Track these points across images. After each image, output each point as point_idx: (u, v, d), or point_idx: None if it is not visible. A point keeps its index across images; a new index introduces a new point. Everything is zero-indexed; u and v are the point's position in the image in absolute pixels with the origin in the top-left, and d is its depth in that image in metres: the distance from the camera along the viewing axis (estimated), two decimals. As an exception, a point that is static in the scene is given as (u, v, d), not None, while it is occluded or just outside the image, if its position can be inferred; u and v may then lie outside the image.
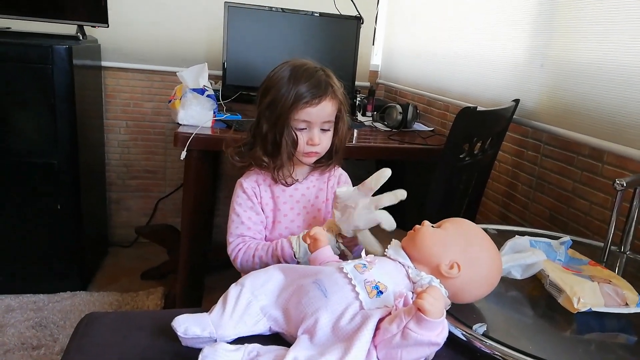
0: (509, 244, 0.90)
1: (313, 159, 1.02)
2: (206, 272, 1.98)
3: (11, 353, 1.59)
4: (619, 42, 1.16)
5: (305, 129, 0.97)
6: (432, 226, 0.76)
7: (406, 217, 1.08)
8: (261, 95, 0.99)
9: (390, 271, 0.70)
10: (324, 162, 1.05)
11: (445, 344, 0.62)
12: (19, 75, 1.76)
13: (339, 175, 1.11)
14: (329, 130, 1.00)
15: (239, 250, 1.01)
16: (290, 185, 1.04)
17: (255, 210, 1.03)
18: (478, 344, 0.69)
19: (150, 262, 2.24)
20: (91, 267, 2.17)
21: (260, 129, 0.99)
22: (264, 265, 0.95)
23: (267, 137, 0.98)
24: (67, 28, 2.00)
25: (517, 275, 0.84)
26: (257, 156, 1.00)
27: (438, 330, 0.59)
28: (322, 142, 0.99)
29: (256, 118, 1.01)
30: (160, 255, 2.24)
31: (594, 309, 0.77)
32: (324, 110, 0.96)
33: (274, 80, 0.97)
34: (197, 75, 1.63)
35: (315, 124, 0.97)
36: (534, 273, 0.85)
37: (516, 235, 0.95)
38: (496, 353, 0.67)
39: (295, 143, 0.97)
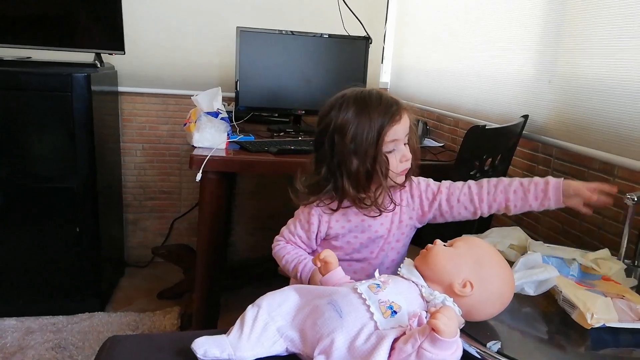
0: (522, 260, 0.91)
1: (403, 177, 1.02)
2: (222, 291, 2.00)
3: (33, 375, 1.62)
4: (625, 58, 1.18)
5: (394, 150, 0.98)
6: (444, 245, 0.78)
7: (421, 234, 1.10)
8: (331, 138, 0.97)
9: (403, 291, 0.71)
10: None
11: (459, 362, 0.63)
12: (39, 103, 1.82)
13: (417, 184, 1.08)
14: (407, 143, 1.01)
15: (278, 246, 1.08)
16: (392, 210, 1.02)
17: (307, 235, 1.06)
18: (492, 362, 0.70)
19: (166, 282, 2.26)
20: (108, 287, 2.20)
21: (347, 167, 0.96)
22: (286, 268, 1.04)
23: (359, 172, 0.96)
24: (85, 56, 2.07)
25: (530, 291, 0.85)
26: (353, 195, 0.98)
27: (452, 350, 0.60)
28: (410, 155, 1.00)
29: (334, 160, 0.98)
30: (176, 274, 2.27)
31: (607, 325, 0.77)
32: (406, 123, 0.98)
33: (344, 119, 0.96)
34: (211, 99, 1.67)
35: (401, 140, 0.98)
36: (547, 289, 0.86)
37: (528, 252, 0.96)
38: (511, 370, 0.68)
39: (387, 167, 0.96)
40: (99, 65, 2.03)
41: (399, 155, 0.98)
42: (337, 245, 1.04)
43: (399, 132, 0.97)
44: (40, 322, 1.92)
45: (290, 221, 1.09)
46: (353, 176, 0.97)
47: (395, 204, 1.02)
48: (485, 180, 1.07)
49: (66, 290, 2.00)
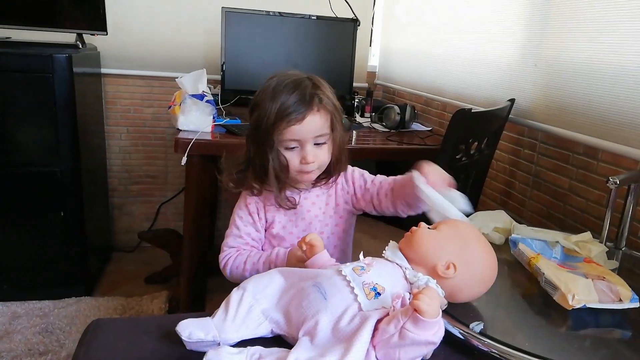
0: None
1: (314, 176, 0.96)
2: (209, 275, 2.00)
3: (19, 359, 1.61)
4: (610, 42, 1.18)
5: (297, 147, 0.91)
6: (429, 227, 0.78)
7: (406, 218, 1.10)
8: (250, 114, 0.94)
9: (387, 273, 0.72)
10: (324, 177, 0.99)
11: (442, 342, 0.64)
12: (19, 85, 1.78)
13: (352, 172, 1.04)
14: (324, 143, 0.93)
15: (229, 258, 0.98)
16: (291, 208, 0.98)
17: (255, 227, 1.00)
18: (475, 342, 0.71)
19: (153, 267, 2.26)
20: (95, 273, 2.19)
21: (249, 152, 0.94)
22: (255, 272, 0.93)
23: (256, 161, 0.93)
24: (67, 37, 2.02)
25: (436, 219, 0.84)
26: (249, 183, 0.96)
27: (434, 330, 0.61)
28: (319, 157, 0.92)
29: (245, 140, 0.97)
30: (163, 259, 2.26)
31: (588, 306, 0.78)
32: (312, 124, 0.89)
33: (259, 97, 0.91)
34: (196, 81, 1.64)
35: (306, 141, 0.90)
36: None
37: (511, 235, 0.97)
38: (493, 351, 0.69)
39: (284, 166, 0.91)
40: (80, 46, 1.99)
41: (300, 156, 0.91)
42: (276, 235, 1.00)
43: (299, 133, 0.89)
44: (26, 307, 1.90)
45: (228, 231, 1.01)
46: (252, 163, 0.94)
47: (295, 205, 0.97)
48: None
49: (52, 275, 1.98)
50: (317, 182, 1.00)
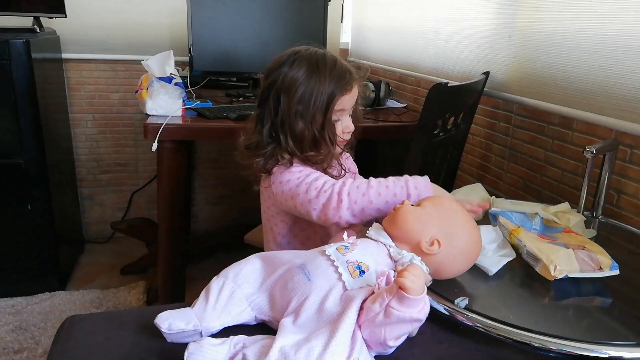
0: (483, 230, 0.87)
1: (342, 146, 1.00)
2: (187, 263, 1.97)
3: (-8, 359, 1.56)
4: (583, 11, 1.18)
5: (339, 119, 0.95)
6: (412, 205, 0.77)
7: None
8: (277, 96, 0.92)
9: (372, 251, 0.70)
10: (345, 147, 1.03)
11: (428, 319, 0.63)
12: (-26, 73, 1.68)
13: (348, 157, 1.09)
14: (351, 115, 0.98)
15: (342, 181, 0.88)
16: (342, 177, 0.97)
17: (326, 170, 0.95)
18: (460, 318, 0.70)
19: (128, 257, 2.20)
20: (67, 265, 2.12)
21: (292, 129, 0.92)
22: (382, 195, 0.84)
23: (305, 135, 0.92)
24: (23, 20, 1.92)
25: (493, 271, 0.81)
26: (301, 155, 0.93)
27: (419, 307, 0.60)
28: (353, 127, 0.98)
29: (278, 119, 0.92)
30: (138, 249, 2.21)
31: (570, 275, 0.79)
32: (355, 94, 0.95)
33: (293, 78, 0.91)
34: (163, 63, 1.58)
35: (347, 111, 0.96)
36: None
37: (491, 208, 0.97)
38: (478, 325, 0.69)
39: (334, 134, 0.94)
40: (38, 30, 1.89)
41: (342, 126, 0.96)
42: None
43: (347, 103, 0.94)
44: (-4, 305, 1.84)
45: (305, 182, 0.90)
46: (298, 139, 0.92)
47: (345, 171, 1.00)
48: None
49: (22, 270, 1.91)
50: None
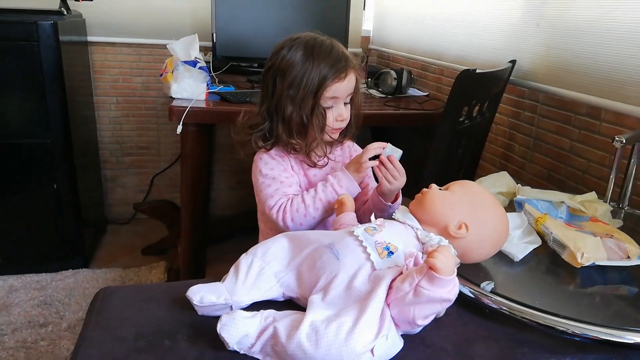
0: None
1: (337, 135, 1.00)
2: (206, 245, 2.00)
3: (19, 331, 1.61)
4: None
5: (332, 106, 0.95)
6: (440, 189, 0.77)
7: (414, 183, 1.09)
8: (274, 78, 0.95)
9: (400, 233, 0.71)
10: (340, 136, 1.03)
11: (454, 301, 0.63)
12: (3, 54, 1.71)
13: (352, 145, 1.10)
14: (348, 103, 0.98)
15: (283, 206, 0.94)
16: (324, 166, 1.01)
17: (289, 173, 0.99)
18: (486, 300, 0.71)
19: (149, 238, 2.24)
20: (91, 245, 2.17)
21: (282, 111, 0.94)
22: (320, 205, 0.92)
23: (292, 119, 0.94)
24: (50, 2, 1.94)
25: (520, 256, 0.82)
26: (286, 139, 0.96)
27: (449, 287, 0.60)
28: (348, 116, 0.98)
29: (273, 101, 0.95)
30: (158, 230, 2.24)
31: (597, 263, 0.79)
32: (350, 83, 0.95)
33: (288, 61, 0.92)
34: (188, 47, 1.59)
35: (341, 99, 0.96)
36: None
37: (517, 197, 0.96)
38: (503, 308, 0.69)
39: (324, 121, 0.95)
40: (65, 13, 1.91)
41: (335, 114, 0.96)
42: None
43: (340, 90, 0.94)
44: (23, 280, 1.89)
45: (265, 192, 0.96)
46: (286, 122, 0.95)
47: (328, 159, 1.01)
48: None
49: (48, 248, 1.96)
50: (336, 141, 1.03)
